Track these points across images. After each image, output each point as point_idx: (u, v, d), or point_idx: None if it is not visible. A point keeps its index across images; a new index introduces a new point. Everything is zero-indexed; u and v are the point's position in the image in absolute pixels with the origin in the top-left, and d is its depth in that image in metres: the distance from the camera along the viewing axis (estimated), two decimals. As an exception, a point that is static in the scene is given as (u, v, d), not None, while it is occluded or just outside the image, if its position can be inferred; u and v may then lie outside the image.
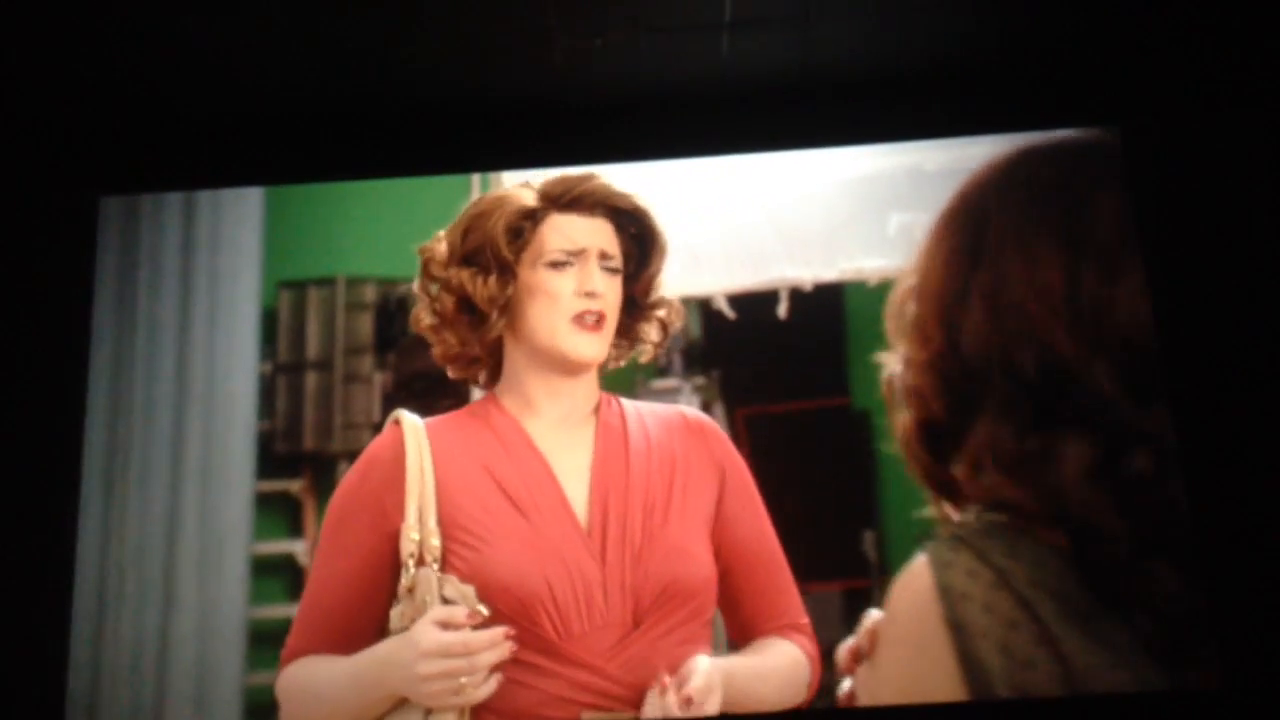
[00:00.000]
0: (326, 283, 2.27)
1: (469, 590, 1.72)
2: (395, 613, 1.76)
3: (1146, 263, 2.09)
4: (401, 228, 2.10)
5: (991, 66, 2.36)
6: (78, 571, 2.12)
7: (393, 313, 2.23)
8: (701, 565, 1.82)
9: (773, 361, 2.24)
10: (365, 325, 2.26)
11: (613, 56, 2.25)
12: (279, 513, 2.17)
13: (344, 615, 1.77)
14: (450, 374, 1.92)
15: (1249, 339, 2.22)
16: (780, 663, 1.83)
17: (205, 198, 2.30)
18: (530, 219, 1.88)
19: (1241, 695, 1.94)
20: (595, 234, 1.90)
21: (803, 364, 2.23)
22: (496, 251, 1.85)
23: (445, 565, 1.76)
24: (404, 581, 1.75)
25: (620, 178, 1.94)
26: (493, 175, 2.24)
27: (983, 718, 1.60)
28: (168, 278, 2.27)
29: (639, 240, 1.93)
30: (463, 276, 1.86)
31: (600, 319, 1.86)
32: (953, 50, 2.31)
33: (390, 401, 2.18)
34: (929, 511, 1.70)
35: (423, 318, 1.91)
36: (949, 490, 1.59)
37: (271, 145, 2.42)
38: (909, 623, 1.50)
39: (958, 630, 1.46)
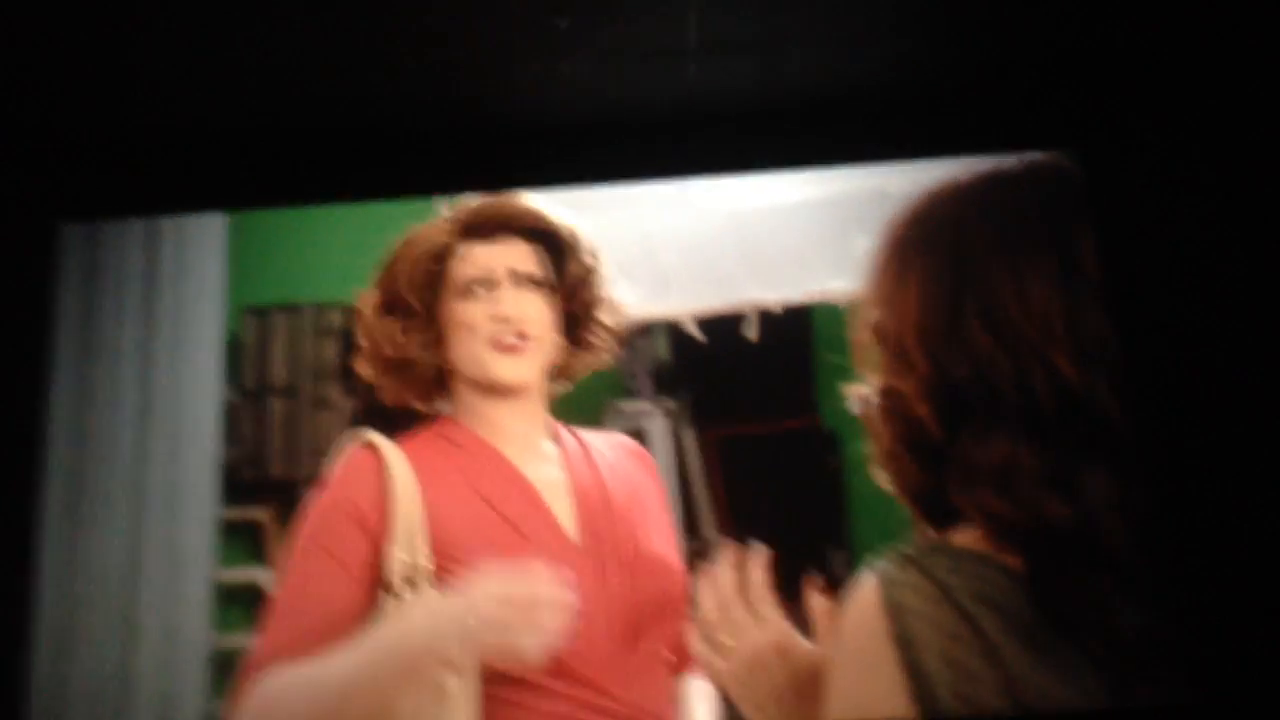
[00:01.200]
0: (293, 309, 2.26)
1: None
2: None
3: (1106, 285, 2.11)
4: (369, 252, 2.09)
5: (954, 90, 2.39)
6: (39, 601, 2.09)
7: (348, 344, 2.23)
8: (685, 578, 1.81)
9: (742, 383, 2.24)
10: (332, 351, 2.25)
11: (577, 81, 2.26)
12: (244, 540, 2.14)
13: (326, 627, 1.65)
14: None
15: (1209, 358, 2.24)
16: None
17: (168, 224, 2.28)
18: (439, 258, 1.86)
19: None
20: (503, 255, 1.87)
21: (772, 385, 2.24)
22: (409, 300, 1.84)
23: (441, 589, 1.69)
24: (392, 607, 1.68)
25: (584, 200, 1.95)
26: (461, 199, 2.24)
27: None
28: (130, 304, 2.24)
29: (554, 252, 1.89)
30: (390, 329, 1.84)
31: (521, 337, 1.84)
32: (915, 75, 2.34)
33: (359, 428, 2.17)
34: (898, 534, 1.70)
35: (364, 369, 1.89)
36: (936, 507, 1.59)
37: (234, 169, 2.40)
38: (857, 639, 1.50)
39: (904, 644, 1.47)
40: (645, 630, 1.75)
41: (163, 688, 2.06)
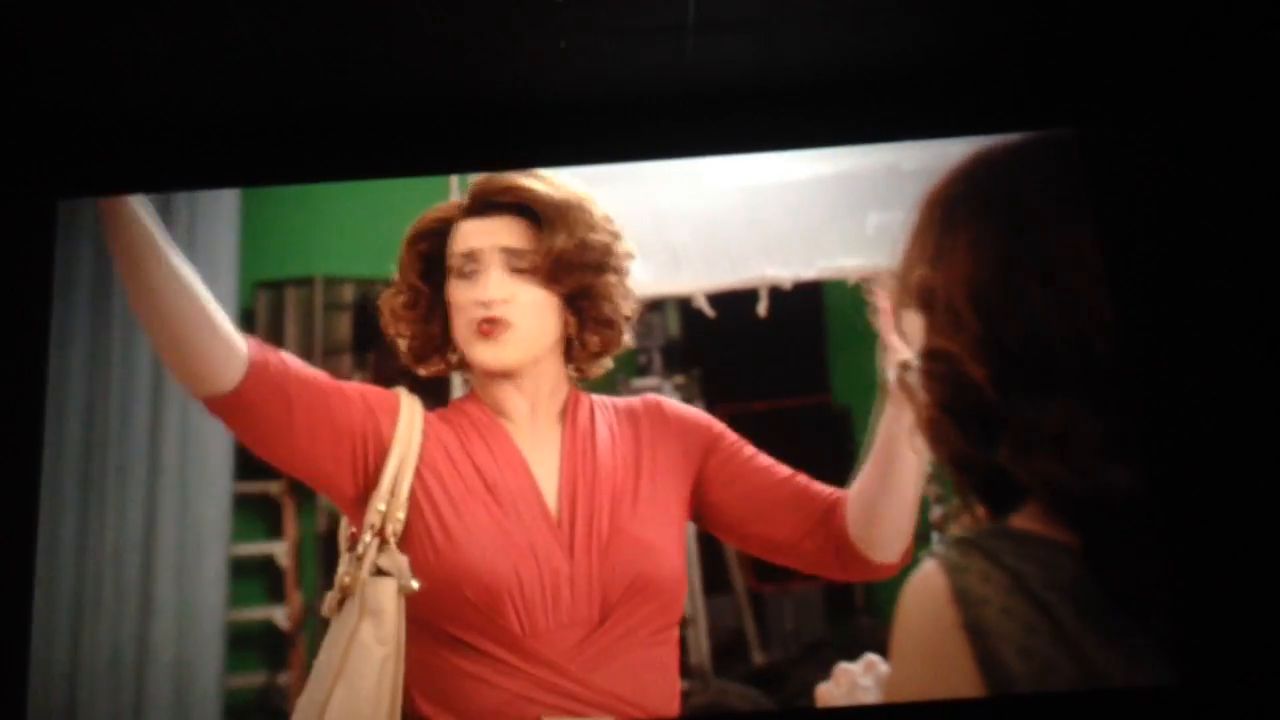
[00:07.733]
0: (304, 283, 2.27)
1: (403, 561, 1.71)
2: (340, 569, 1.76)
3: (1106, 263, 2.08)
4: (380, 227, 2.09)
5: (953, 68, 2.37)
6: (55, 575, 2.10)
7: (371, 313, 2.22)
8: (669, 560, 1.81)
9: (753, 360, 2.24)
10: (344, 325, 2.25)
11: (578, 59, 2.24)
12: (258, 514, 2.16)
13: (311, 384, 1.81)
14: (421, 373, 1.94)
15: (1204, 333, 2.22)
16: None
17: (181, 199, 2.28)
18: (439, 234, 1.89)
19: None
20: (494, 233, 1.87)
21: (783, 362, 2.24)
22: (405, 279, 1.89)
23: (411, 540, 1.74)
24: (359, 548, 1.75)
25: (595, 176, 1.94)
26: (472, 176, 2.23)
27: (995, 714, 1.58)
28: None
29: (547, 227, 1.85)
30: (394, 305, 1.90)
31: (496, 324, 1.83)
32: (913, 52, 2.32)
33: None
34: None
35: (387, 329, 1.95)
36: (983, 475, 1.51)
37: (246, 147, 2.41)
38: (925, 628, 1.45)
39: (977, 635, 1.41)
40: (616, 611, 1.75)
41: (178, 660, 2.08)
